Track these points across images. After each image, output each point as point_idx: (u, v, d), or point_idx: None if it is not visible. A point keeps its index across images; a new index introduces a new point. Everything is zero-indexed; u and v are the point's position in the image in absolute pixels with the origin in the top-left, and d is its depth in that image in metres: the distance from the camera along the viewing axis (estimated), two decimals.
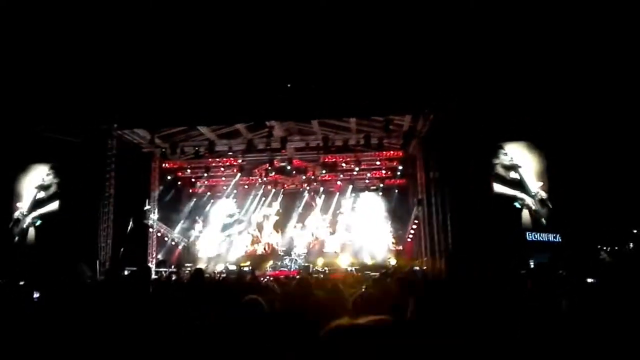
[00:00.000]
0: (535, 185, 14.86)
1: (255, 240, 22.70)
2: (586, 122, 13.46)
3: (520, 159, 15.18)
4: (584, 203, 13.37)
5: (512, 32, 11.95)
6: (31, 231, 16.14)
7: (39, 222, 16.15)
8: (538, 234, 14.33)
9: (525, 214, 14.71)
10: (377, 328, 1.14)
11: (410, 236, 20.16)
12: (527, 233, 14.41)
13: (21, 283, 5.96)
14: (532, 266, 10.96)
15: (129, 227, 17.02)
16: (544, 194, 14.72)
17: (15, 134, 14.90)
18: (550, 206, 14.56)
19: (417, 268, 16.79)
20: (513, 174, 15.07)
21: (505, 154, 15.25)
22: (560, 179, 14.42)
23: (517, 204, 14.83)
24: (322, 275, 15.10)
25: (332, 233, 22.29)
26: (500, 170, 15.17)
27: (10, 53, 12.23)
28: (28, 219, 16.24)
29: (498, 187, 15.07)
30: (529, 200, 14.77)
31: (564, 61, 12.60)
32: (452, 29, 12.13)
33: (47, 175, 16.51)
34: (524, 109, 13.93)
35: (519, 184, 14.94)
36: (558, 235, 14.14)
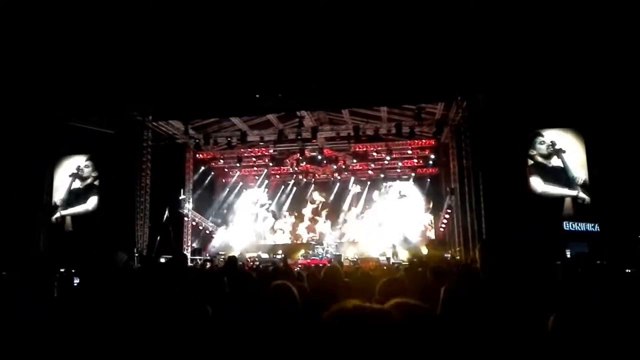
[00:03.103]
0: (577, 172, 14.39)
1: (294, 228, 22.96)
2: (630, 109, 12.92)
3: (563, 145, 14.71)
4: (625, 192, 12.89)
5: (549, 15, 11.53)
6: (68, 220, 16.68)
7: (76, 212, 16.67)
8: (576, 224, 13.92)
9: (567, 202, 14.28)
10: (380, 312, 1.15)
11: (443, 225, 19.92)
12: (565, 223, 14.01)
13: (62, 270, 6.21)
14: (568, 256, 10.70)
15: (165, 216, 17.44)
16: (585, 182, 14.26)
17: (52, 125, 15.39)
18: (591, 195, 14.10)
19: (449, 256, 16.64)
20: (555, 162, 14.63)
21: (543, 142, 14.78)
22: (601, 167, 13.92)
23: (556, 193, 14.41)
24: (352, 264, 15.13)
25: (365, 222, 22.26)
26: (539, 158, 14.73)
27: (47, 46, 12.60)
28: (66, 209, 16.79)
29: (536, 176, 14.68)
30: (570, 188, 14.34)
31: (604, 46, 12.10)
32: (485, 14, 11.81)
33: (85, 166, 16.99)
34: (564, 95, 13.47)
35: (561, 172, 14.50)
36: (597, 225, 13.70)
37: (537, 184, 14.55)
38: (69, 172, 17.02)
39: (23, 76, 13.35)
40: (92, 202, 16.65)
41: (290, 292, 2.72)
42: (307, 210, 23.08)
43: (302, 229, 22.90)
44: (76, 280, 5.96)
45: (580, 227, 13.87)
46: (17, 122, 14.45)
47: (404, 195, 22.20)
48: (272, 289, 2.79)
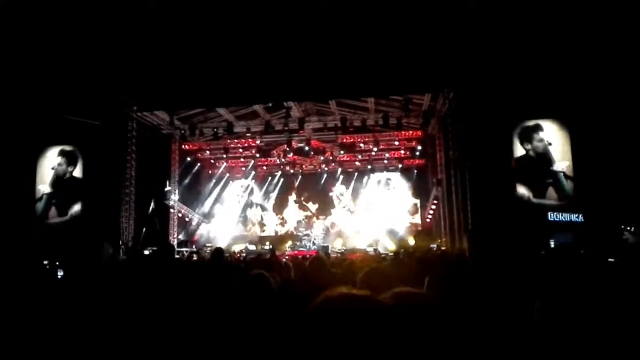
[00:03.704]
0: (560, 164, 14.56)
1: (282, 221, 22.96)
2: (613, 100, 13.08)
3: (546, 137, 14.83)
4: (608, 182, 13.08)
5: (534, 6, 11.60)
6: (52, 211, 16.46)
7: (61, 203, 16.44)
8: (560, 214, 14.10)
9: (550, 192, 14.45)
10: (367, 299, 1.15)
11: (430, 216, 20.09)
12: (549, 213, 14.19)
13: (45, 262, 6.14)
14: (552, 246, 10.85)
15: (150, 208, 17.31)
16: (568, 173, 14.43)
17: (37, 116, 15.15)
18: (574, 185, 14.28)
19: (435, 247, 16.78)
20: (533, 153, 14.78)
21: (542, 139, 14.83)
22: (584, 157, 14.10)
23: (541, 181, 14.56)
24: (339, 255, 15.19)
25: (351, 213, 22.34)
26: (531, 153, 14.83)
27: (31, 38, 12.37)
28: (50, 200, 16.55)
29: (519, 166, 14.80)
30: (553, 179, 14.50)
31: (588, 36, 12.21)
32: (471, 5, 11.83)
33: (69, 157, 16.73)
34: (548, 86, 13.58)
35: (541, 163, 14.65)
36: (581, 215, 13.90)
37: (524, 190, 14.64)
38: (53, 163, 16.76)
39: (8, 68, 13.10)
40: (76, 193, 16.43)
41: (267, 282, 2.72)
42: (293, 203, 23.07)
43: (288, 221, 22.90)
44: (60, 273, 5.89)
45: (564, 218, 14.05)
46: (2, 113, 14.19)
47: (391, 186, 22.30)
48: (248, 279, 2.78)
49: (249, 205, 23.39)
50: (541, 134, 14.78)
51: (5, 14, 11.44)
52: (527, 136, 14.81)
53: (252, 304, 2.44)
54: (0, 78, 13.28)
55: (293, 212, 22.93)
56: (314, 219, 22.52)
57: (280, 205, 23.18)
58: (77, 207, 16.21)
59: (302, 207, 22.90)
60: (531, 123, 14.84)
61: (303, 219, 22.55)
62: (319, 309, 1.14)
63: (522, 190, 14.52)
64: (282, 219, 23.00)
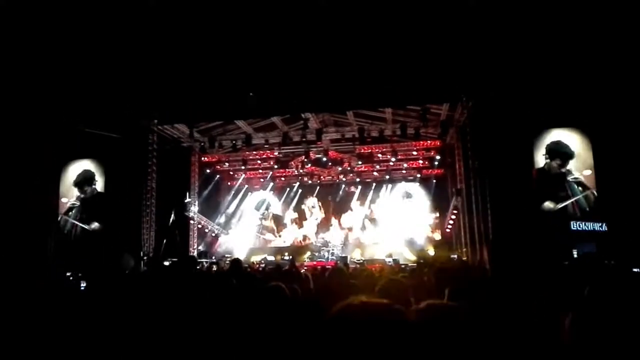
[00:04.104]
0: (583, 172, 14.29)
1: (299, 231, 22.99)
2: (636, 107, 12.82)
3: (571, 145, 14.57)
4: (632, 191, 12.79)
5: (554, 14, 11.48)
6: (75, 224, 16.72)
7: (83, 216, 16.71)
8: (583, 223, 13.80)
9: (572, 202, 14.18)
10: (384, 307, 1.15)
11: (449, 226, 19.86)
12: (572, 222, 13.90)
13: (68, 274, 6.25)
14: (575, 256, 10.63)
15: (171, 219, 17.48)
16: (591, 182, 14.15)
17: (58, 130, 15.48)
18: (597, 194, 13.99)
19: (456, 257, 16.57)
20: (555, 164, 14.52)
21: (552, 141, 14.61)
22: (607, 166, 13.82)
23: (562, 192, 14.29)
24: (358, 266, 15.11)
25: (370, 224, 22.25)
26: (543, 159, 14.60)
27: (54, 51, 12.70)
28: (72, 213, 16.84)
29: (541, 176, 14.56)
30: (575, 188, 14.23)
31: (610, 44, 12.03)
32: (490, 14, 11.77)
33: (91, 170, 17.03)
34: (570, 95, 13.39)
35: (562, 174, 14.39)
36: (604, 225, 13.59)
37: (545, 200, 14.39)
38: (76, 176, 17.08)
39: (32, 82, 13.46)
40: (98, 205, 16.70)
41: (283, 294, 2.73)
42: (309, 210, 23.10)
43: (307, 232, 22.90)
44: (83, 284, 5.98)
45: (587, 227, 13.75)
46: (26, 127, 14.55)
47: (410, 196, 22.17)
48: (264, 291, 2.80)
49: (267, 216, 23.48)
50: (565, 147, 14.54)
51: (25, 27, 11.78)
52: (551, 150, 14.57)
53: (269, 315, 2.45)
54: (25, 93, 13.65)
55: (311, 222, 22.94)
56: (331, 222, 22.49)
57: (298, 216, 23.22)
58: (99, 220, 16.45)
59: (320, 219, 22.91)
60: (555, 137, 14.60)
61: (319, 223, 22.55)
62: (339, 316, 1.15)
63: (543, 199, 14.27)
64: (301, 228, 23.02)
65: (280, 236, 23.22)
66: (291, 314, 2.36)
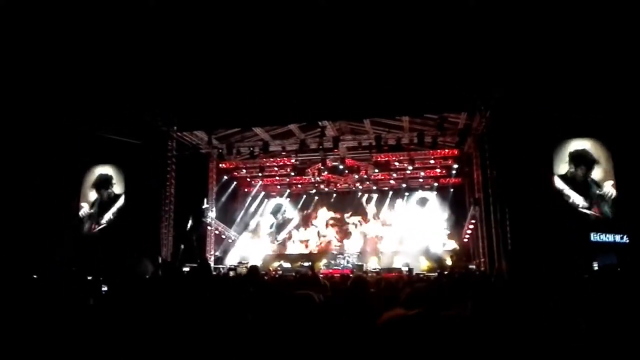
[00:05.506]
0: (603, 183, 14.08)
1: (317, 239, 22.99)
2: None
3: (591, 156, 14.40)
4: None
5: (573, 25, 11.39)
6: (95, 228, 17.00)
7: (103, 220, 17.00)
8: (603, 235, 13.57)
9: (592, 213, 13.97)
10: (425, 317, 1.17)
11: (467, 236, 19.68)
12: (592, 234, 13.68)
13: (89, 277, 6.35)
14: (595, 268, 10.44)
15: (189, 225, 17.65)
16: (612, 193, 13.93)
17: (79, 136, 15.78)
18: (618, 205, 13.76)
19: (474, 267, 16.40)
20: (580, 171, 14.34)
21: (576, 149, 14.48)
22: (629, 177, 13.59)
23: (582, 203, 14.09)
24: (375, 274, 15.05)
25: (387, 232, 22.15)
26: (564, 167, 14.44)
27: (75, 59, 12.97)
28: (92, 217, 17.13)
29: (561, 185, 14.38)
30: (596, 199, 14.02)
31: (632, 55, 11.87)
32: (509, 23, 11.72)
33: (111, 176, 17.32)
34: (589, 105, 13.23)
35: (586, 182, 14.20)
36: (625, 236, 13.34)
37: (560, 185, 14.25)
38: (96, 181, 17.39)
39: (52, 89, 13.77)
40: (118, 211, 16.96)
41: (313, 303, 2.74)
42: (324, 221, 23.07)
43: (323, 239, 22.87)
44: (104, 288, 6.07)
45: (608, 239, 13.52)
46: (47, 133, 14.88)
47: (425, 203, 22.04)
48: (295, 299, 2.82)
49: (284, 223, 23.54)
50: (590, 155, 14.36)
51: (43, 34, 12.04)
52: (573, 160, 14.40)
53: (302, 324, 2.46)
54: (46, 100, 13.95)
55: (329, 230, 22.92)
56: (347, 227, 22.45)
57: (314, 223, 23.21)
58: (118, 224, 16.70)
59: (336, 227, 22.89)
60: (575, 147, 14.43)
61: (333, 228, 22.52)
62: (385, 328, 1.17)
63: (563, 210, 14.08)
64: (317, 235, 22.99)
65: (299, 243, 23.13)
66: (323, 323, 2.37)
